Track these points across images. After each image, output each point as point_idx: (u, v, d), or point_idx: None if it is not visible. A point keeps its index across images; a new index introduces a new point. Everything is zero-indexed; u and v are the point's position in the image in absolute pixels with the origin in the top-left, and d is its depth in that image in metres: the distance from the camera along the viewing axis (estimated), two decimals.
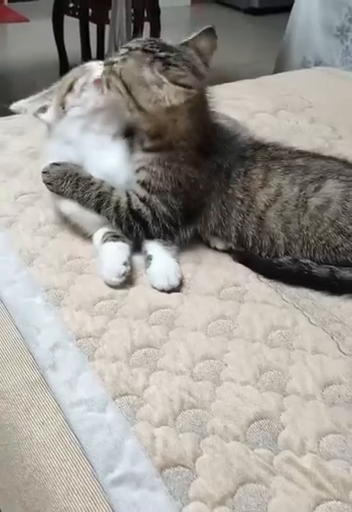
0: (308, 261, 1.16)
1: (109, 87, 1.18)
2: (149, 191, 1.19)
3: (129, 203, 1.19)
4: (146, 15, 3.52)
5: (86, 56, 3.65)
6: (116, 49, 2.81)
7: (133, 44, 1.18)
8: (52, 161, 1.24)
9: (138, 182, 1.20)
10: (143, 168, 1.20)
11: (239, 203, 1.20)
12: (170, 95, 1.09)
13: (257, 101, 1.94)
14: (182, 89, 1.09)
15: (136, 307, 1.09)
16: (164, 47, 1.16)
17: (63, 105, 1.24)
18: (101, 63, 1.28)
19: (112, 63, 1.17)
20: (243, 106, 1.87)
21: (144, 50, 1.15)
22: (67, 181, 1.20)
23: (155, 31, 3.43)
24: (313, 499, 0.79)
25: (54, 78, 1.33)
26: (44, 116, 1.26)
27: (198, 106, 1.18)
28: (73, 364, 0.98)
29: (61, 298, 1.11)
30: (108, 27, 3.12)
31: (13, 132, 1.60)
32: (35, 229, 1.29)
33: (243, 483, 0.81)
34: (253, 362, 0.99)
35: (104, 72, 1.19)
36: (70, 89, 1.25)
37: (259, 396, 0.93)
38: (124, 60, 1.16)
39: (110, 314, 1.08)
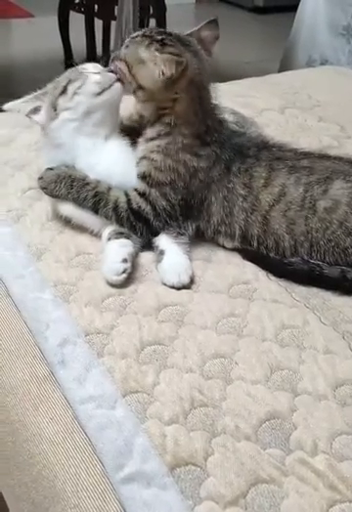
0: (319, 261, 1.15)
1: (116, 72, 1.24)
2: (148, 183, 1.19)
3: (129, 203, 1.19)
4: (151, 11, 3.51)
5: (91, 52, 3.65)
6: (122, 45, 2.84)
7: (135, 33, 1.25)
8: (47, 166, 1.25)
9: (138, 175, 1.21)
10: (144, 157, 1.21)
11: (241, 200, 1.19)
12: (162, 66, 1.13)
13: (265, 98, 1.93)
14: (172, 57, 1.13)
15: (145, 304, 1.08)
16: (164, 33, 1.22)
17: (55, 107, 1.24)
18: (96, 65, 1.29)
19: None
20: (251, 103, 1.86)
21: (144, 36, 1.22)
22: (62, 183, 1.21)
23: (161, 28, 3.42)
24: (326, 501, 0.78)
25: (59, 75, 1.32)
26: (37, 118, 1.26)
27: (197, 89, 1.20)
28: (82, 361, 0.97)
29: (69, 294, 1.10)
30: (113, 23, 3.11)
31: (21, 126, 1.59)
32: (43, 223, 1.28)
33: (256, 483, 0.80)
34: (264, 361, 0.98)
35: (112, 60, 1.25)
36: (64, 91, 1.24)
37: (270, 395, 0.92)
38: (127, 46, 1.24)
39: (118, 310, 1.07)
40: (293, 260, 1.17)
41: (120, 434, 0.86)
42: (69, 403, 0.92)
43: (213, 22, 1.27)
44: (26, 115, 1.26)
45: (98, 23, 3.59)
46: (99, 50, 3.67)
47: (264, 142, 1.31)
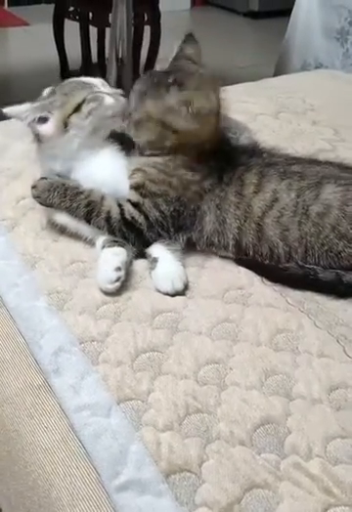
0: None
1: (139, 130, 1.23)
2: (142, 194, 1.20)
3: (122, 213, 1.19)
4: (146, 18, 3.52)
5: (87, 59, 3.67)
6: (117, 52, 2.85)
7: (140, 86, 1.24)
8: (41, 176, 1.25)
9: (131, 186, 1.21)
10: (138, 170, 1.22)
11: (233, 208, 1.19)
12: (200, 101, 1.15)
13: (259, 103, 1.94)
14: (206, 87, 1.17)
15: (140, 311, 1.08)
16: (166, 73, 1.22)
17: (66, 123, 1.22)
18: (104, 82, 1.29)
19: (130, 114, 1.23)
20: (245, 108, 1.86)
21: (153, 84, 1.22)
22: (55, 192, 1.21)
23: (156, 35, 3.43)
24: (321, 505, 0.78)
25: (55, 82, 1.31)
26: (43, 128, 1.22)
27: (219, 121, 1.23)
28: (77, 369, 0.97)
29: (64, 302, 1.10)
30: (108, 31, 3.13)
31: (14, 135, 1.60)
32: (38, 232, 1.28)
33: (250, 488, 0.80)
34: (258, 366, 0.98)
35: (127, 125, 1.24)
36: (77, 109, 1.23)
37: (265, 400, 0.92)
38: (142, 102, 1.21)
39: (113, 317, 1.07)
40: (288, 265, 1.17)
41: (115, 441, 0.86)
42: (64, 411, 0.92)
43: (190, 37, 1.27)
44: (29, 124, 1.21)
45: (92, 31, 3.60)
46: (94, 57, 3.68)
47: (255, 149, 1.32)
